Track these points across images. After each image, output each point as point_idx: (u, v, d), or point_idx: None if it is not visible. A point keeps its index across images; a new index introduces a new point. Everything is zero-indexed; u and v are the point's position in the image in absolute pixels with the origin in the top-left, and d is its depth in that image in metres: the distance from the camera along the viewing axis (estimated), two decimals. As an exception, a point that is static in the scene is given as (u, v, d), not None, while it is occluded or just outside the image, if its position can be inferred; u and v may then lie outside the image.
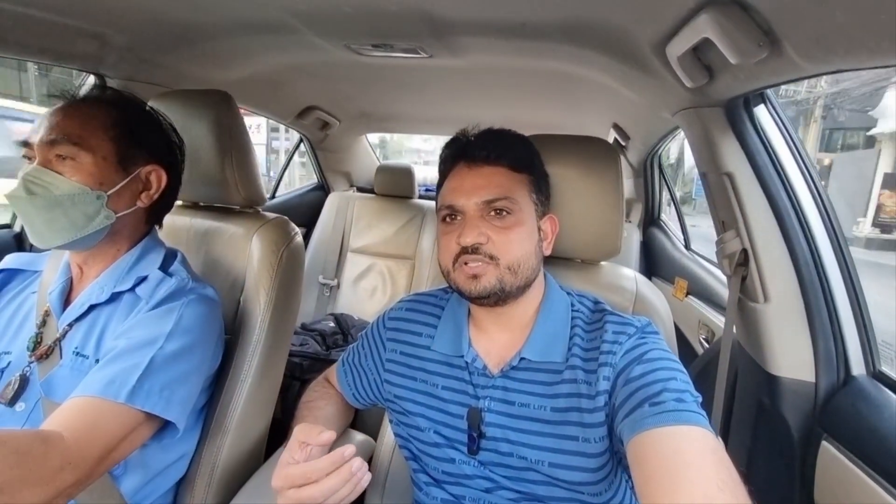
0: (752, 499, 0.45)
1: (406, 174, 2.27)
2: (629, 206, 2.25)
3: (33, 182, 0.69)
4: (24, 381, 0.72)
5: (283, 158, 2.63)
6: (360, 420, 0.99)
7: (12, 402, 0.71)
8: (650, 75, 0.93)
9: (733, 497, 0.44)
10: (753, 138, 0.90)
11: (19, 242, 1.26)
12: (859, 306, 0.89)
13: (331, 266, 2.25)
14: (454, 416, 0.70)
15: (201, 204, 1.04)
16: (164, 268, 0.80)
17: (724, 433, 1.06)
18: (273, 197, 2.43)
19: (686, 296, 1.58)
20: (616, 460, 0.64)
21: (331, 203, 2.35)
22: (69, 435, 0.58)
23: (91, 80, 1.18)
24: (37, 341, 0.75)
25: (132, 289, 0.77)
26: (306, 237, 2.33)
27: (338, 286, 2.23)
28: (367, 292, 2.18)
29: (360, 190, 2.67)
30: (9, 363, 0.74)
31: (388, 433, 0.89)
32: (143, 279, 0.78)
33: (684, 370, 0.60)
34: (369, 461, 0.90)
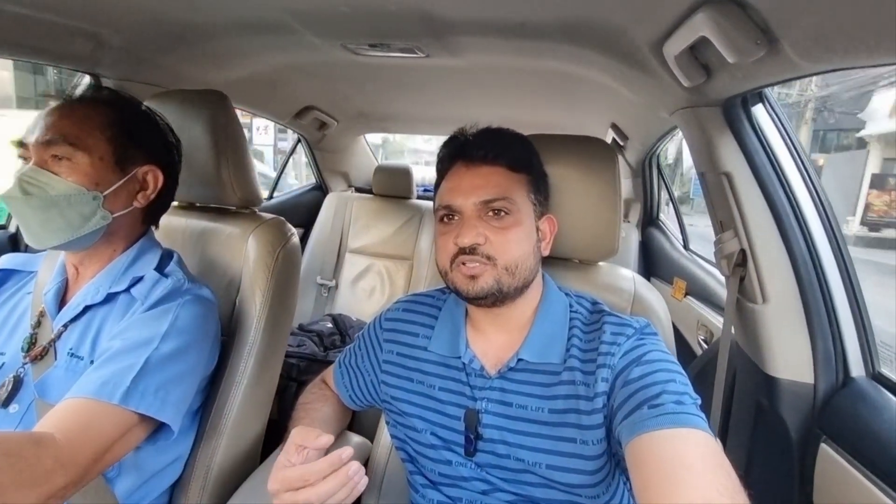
0: (751, 502, 0.45)
1: (404, 174, 2.27)
2: (627, 206, 2.25)
3: (29, 182, 0.68)
4: (17, 383, 0.72)
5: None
6: (356, 422, 0.99)
7: (6, 403, 0.70)
8: (648, 75, 0.93)
9: (732, 500, 0.44)
10: (751, 138, 0.90)
11: (14, 243, 1.26)
12: (858, 307, 0.88)
13: (329, 266, 2.25)
14: (451, 418, 0.70)
15: (197, 204, 1.04)
16: (161, 268, 0.80)
17: (723, 435, 1.05)
18: (271, 197, 2.42)
19: (685, 296, 1.57)
20: (614, 462, 0.64)
21: (329, 203, 2.35)
22: (62, 436, 0.57)
23: (87, 80, 1.17)
24: (31, 342, 0.74)
25: (128, 289, 0.76)
26: (304, 238, 2.33)
27: (336, 287, 2.23)
28: (365, 293, 2.18)
29: (359, 190, 2.66)
30: (2, 364, 0.74)
31: (384, 435, 0.88)
32: (139, 280, 0.77)
33: (683, 372, 0.60)
34: (366, 463, 0.89)
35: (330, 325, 1.80)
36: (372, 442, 0.92)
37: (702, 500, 0.44)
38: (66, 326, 0.74)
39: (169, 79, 1.24)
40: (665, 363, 0.60)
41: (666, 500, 0.45)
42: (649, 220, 2.27)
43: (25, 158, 0.71)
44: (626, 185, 2.26)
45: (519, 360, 0.68)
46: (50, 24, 0.92)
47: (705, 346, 1.41)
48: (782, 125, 0.93)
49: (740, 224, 0.92)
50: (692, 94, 0.87)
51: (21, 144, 0.72)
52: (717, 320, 1.34)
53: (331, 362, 0.91)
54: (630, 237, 2.14)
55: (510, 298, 0.67)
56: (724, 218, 0.97)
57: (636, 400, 0.56)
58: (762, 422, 0.95)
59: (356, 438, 0.94)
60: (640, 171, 2.14)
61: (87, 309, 0.75)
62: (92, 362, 0.70)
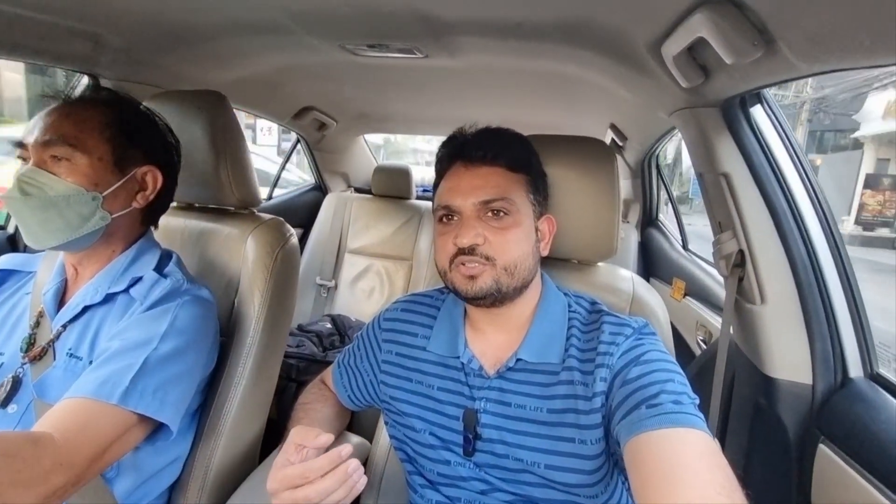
0: (750, 501, 0.45)
1: (403, 175, 2.27)
2: (627, 206, 2.25)
3: (28, 183, 0.68)
4: (16, 383, 0.72)
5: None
6: (355, 422, 0.99)
7: (4, 403, 0.70)
8: (646, 75, 0.93)
9: (730, 500, 0.44)
10: (750, 138, 0.90)
11: (12, 244, 1.26)
12: (856, 308, 0.89)
13: (328, 267, 2.25)
14: (450, 418, 0.70)
15: (196, 205, 1.04)
16: (160, 269, 0.80)
17: (722, 435, 1.05)
18: (270, 198, 2.42)
19: (684, 296, 1.57)
20: (612, 462, 0.64)
21: (328, 204, 2.35)
22: (60, 436, 0.57)
23: (85, 80, 1.17)
24: (30, 342, 0.74)
25: (127, 290, 0.76)
26: (303, 238, 2.33)
27: (335, 287, 2.23)
28: (364, 293, 2.18)
29: (358, 190, 2.67)
30: (1, 364, 0.74)
31: (383, 435, 0.88)
32: (138, 280, 0.77)
33: (682, 372, 0.60)
34: (365, 463, 0.89)
35: (329, 325, 1.80)
36: (371, 442, 0.92)
37: (700, 499, 0.44)
38: (64, 327, 0.74)
39: (167, 79, 1.24)
40: (663, 363, 0.60)
41: (664, 499, 0.45)
42: (648, 221, 2.27)
43: (24, 159, 0.71)
44: (625, 186, 2.27)
45: (518, 359, 0.68)
46: (49, 24, 0.92)
47: (704, 346, 1.41)
48: (781, 126, 0.93)
49: (738, 225, 0.92)
50: (690, 95, 0.87)
51: (20, 145, 0.72)
52: (716, 321, 1.34)
53: (330, 363, 0.91)
54: (629, 237, 2.14)
55: (509, 298, 0.67)
56: (723, 218, 0.97)
57: (634, 400, 0.56)
58: (761, 422, 0.95)
59: (355, 439, 0.94)
60: (639, 172, 2.14)
61: (86, 309, 0.75)
62: (91, 362, 0.70)
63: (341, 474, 0.55)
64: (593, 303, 0.74)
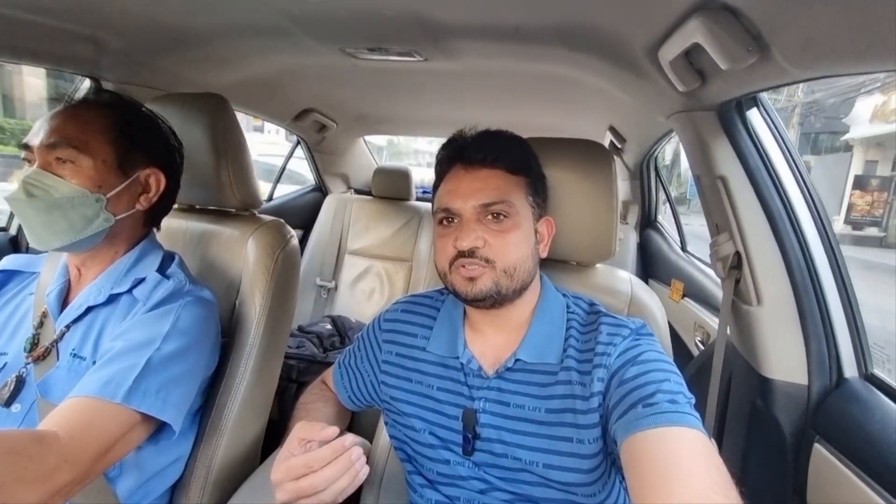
0: (745, 500, 0.45)
1: (403, 176, 2.28)
2: (626, 208, 2.26)
3: (33, 185, 0.69)
4: (20, 383, 0.72)
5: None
6: (355, 422, 0.99)
7: (8, 403, 0.71)
8: (644, 79, 0.94)
9: (725, 498, 0.44)
10: (746, 142, 0.91)
11: (15, 245, 1.26)
12: (851, 309, 0.90)
13: (328, 268, 2.25)
14: (449, 417, 0.71)
15: (197, 207, 1.04)
16: (162, 270, 0.81)
17: (718, 435, 1.06)
18: (270, 198, 2.43)
19: (682, 298, 1.58)
20: (610, 461, 0.64)
21: (328, 205, 2.35)
22: (65, 434, 0.58)
23: (87, 83, 1.18)
24: (34, 342, 0.75)
25: (129, 291, 0.77)
26: (304, 239, 2.34)
27: (335, 288, 2.24)
28: (364, 294, 2.18)
29: (358, 192, 2.67)
30: (5, 364, 0.74)
31: (383, 435, 0.89)
32: (141, 281, 0.78)
33: (678, 372, 0.61)
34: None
35: (329, 326, 1.81)
36: (371, 442, 0.93)
37: (696, 497, 0.44)
38: (68, 327, 0.75)
39: (168, 81, 1.25)
40: (660, 363, 0.61)
41: (661, 498, 0.46)
42: (647, 222, 2.28)
43: (29, 161, 0.72)
44: (623, 188, 2.28)
45: (516, 360, 0.69)
46: (50, 27, 0.93)
47: (702, 347, 1.42)
48: (777, 129, 0.94)
49: (735, 227, 0.93)
50: (687, 99, 0.88)
51: (25, 147, 0.72)
52: (714, 322, 1.35)
53: (330, 363, 0.91)
54: (628, 239, 2.15)
55: (508, 300, 0.68)
56: (720, 220, 0.98)
57: (631, 399, 0.56)
58: (757, 422, 0.96)
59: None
60: (637, 174, 2.15)
61: (89, 310, 0.76)
62: (94, 363, 0.70)
63: (345, 462, 0.55)
64: (592, 304, 0.74)
